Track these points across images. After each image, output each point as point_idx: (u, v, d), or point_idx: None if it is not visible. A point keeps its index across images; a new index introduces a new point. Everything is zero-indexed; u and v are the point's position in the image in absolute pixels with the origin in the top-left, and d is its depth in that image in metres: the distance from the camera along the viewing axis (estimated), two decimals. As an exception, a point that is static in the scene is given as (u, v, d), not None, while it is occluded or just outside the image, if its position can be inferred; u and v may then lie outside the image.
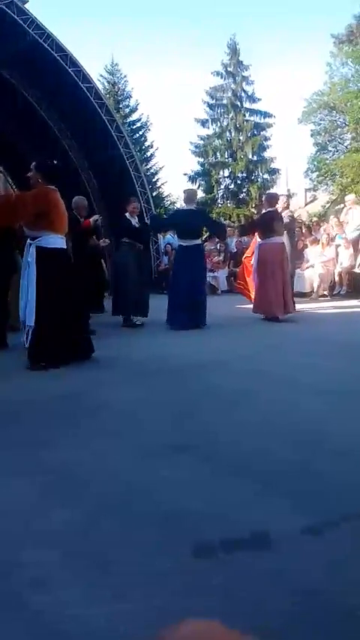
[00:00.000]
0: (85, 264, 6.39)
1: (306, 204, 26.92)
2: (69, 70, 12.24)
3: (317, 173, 22.82)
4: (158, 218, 10.47)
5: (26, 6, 11.66)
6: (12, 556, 1.60)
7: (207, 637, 0.27)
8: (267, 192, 22.85)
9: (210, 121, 25.40)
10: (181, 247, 7.08)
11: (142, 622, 1.29)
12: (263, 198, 8.47)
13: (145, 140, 25.47)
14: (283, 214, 7.57)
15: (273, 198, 7.65)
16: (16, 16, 11.27)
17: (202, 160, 25.38)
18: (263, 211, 7.73)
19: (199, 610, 1.28)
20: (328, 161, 22.33)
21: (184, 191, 7.32)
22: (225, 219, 21.23)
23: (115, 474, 2.22)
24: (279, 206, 7.59)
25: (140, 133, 25.29)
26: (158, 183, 25.41)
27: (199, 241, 7.13)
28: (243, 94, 25.23)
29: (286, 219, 7.68)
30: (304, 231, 12.14)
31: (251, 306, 7.58)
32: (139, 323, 6.92)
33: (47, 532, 1.73)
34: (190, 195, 7.20)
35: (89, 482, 2.13)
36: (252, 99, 25.29)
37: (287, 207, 8.19)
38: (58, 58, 12.03)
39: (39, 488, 2.07)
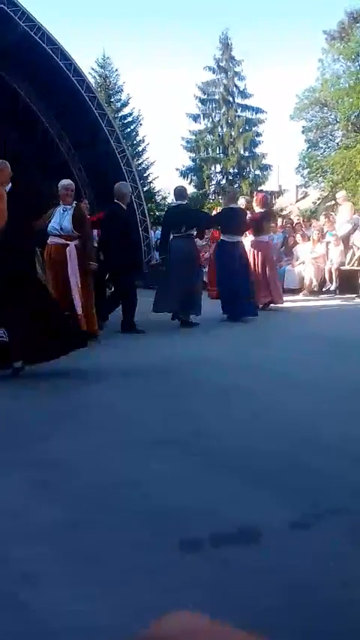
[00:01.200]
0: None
1: (297, 201, 26.99)
2: (60, 62, 12.13)
3: (308, 170, 22.86)
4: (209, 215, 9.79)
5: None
6: (1, 552, 1.60)
7: (196, 630, 0.27)
8: (259, 189, 22.84)
9: (202, 116, 25.30)
10: (225, 243, 7.18)
11: (131, 618, 1.29)
12: (256, 199, 8.36)
13: (137, 135, 25.33)
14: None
15: (267, 200, 7.94)
16: (6, 7, 11.15)
17: (193, 155, 25.30)
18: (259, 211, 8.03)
19: (188, 605, 1.29)
20: (319, 158, 22.38)
21: (228, 190, 7.26)
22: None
23: (105, 469, 2.22)
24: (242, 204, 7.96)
25: (132, 127, 25.13)
26: (150, 178, 25.29)
27: (240, 237, 7.30)
28: (235, 90, 25.15)
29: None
30: (294, 226, 12.17)
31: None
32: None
33: (36, 527, 1.73)
34: (232, 196, 7.51)
35: (79, 478, 2.13)
36: (244, 94, 25.22)
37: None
38: (49, 50, 11.91)
39: (29, 484, 2.06)
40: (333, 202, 14.54)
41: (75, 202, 5.55)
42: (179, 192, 7.13)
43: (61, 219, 5.37)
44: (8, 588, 1.43)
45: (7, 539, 1.67)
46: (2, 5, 11.07)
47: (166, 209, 8.99)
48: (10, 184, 4.44)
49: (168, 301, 6.43)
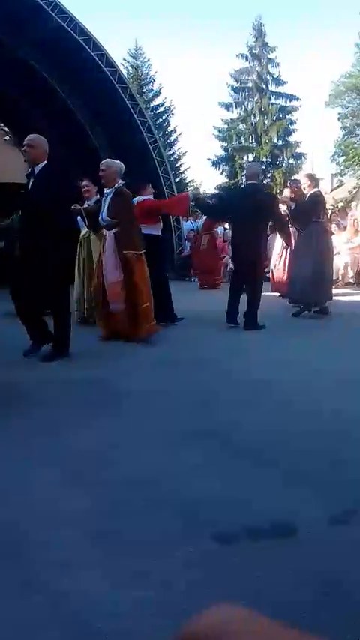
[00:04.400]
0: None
1: (332, 190, 26.41)
2: (92, 54, 12.15)
3: (344, 157, 22.30)
4: None
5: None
6: (37, 539, 1.62)
7: (240, 623, 0.27)
8: (292, 179, 22.41)
9: (234, 104, 25.00)
10: None
11: (162, 607, 1.29)
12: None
13: (168, 125, 25.25)
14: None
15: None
16: (39, 1, 11.21)
17: (225, 144, 25.05)
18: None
19: (220, 598, 1.27)
20: (356, 145, 21.80)
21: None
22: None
23: (138, 460, 2.22)
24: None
25: (163, 117, 25.06)
26: (181, 169, 25.22)
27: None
28: (268, 77, 24.73)
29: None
30: (330, 216, 11.91)
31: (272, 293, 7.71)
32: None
33: (70, 516, 1.75)
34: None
35: (112, 468, 2.13)
36: (278, 82, 24.78)
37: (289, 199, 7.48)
38: (81, 42, 11.94)
39: (63, 474, 2.09)
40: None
41: (116, 185, 4.82)
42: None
43: (103, 207, 4.91)
44: (42, 575, 1.44)
45: (41, 526, 1.69)
46: (36, -2, 11.14)
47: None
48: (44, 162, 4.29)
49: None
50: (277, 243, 8.18)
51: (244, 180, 6.24)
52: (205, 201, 7.49)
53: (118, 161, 5.03)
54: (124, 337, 4.73)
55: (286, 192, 7.87)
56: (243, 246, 5.62)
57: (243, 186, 5.86)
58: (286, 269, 7.74)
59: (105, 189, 4.88)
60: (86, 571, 1.45)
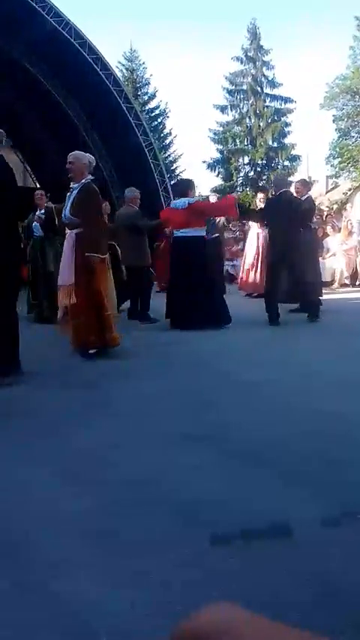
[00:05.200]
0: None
1: (327, 192, 26.50)
2: (87, 57, 12.18)
3: (339, 159, 22.37)
4: None
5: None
6: (35, 539, 1.62)
7: (237, 622, 0.27)
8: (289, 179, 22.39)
9: (229, 107, 25.07)
10: None
11: (160, 607, 1.29)
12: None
13: (164, 127, 25.29)
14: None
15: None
16: (35, 5, 11.23)
17: (221, 147, 25.12)
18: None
19: (218, 598, 1.28)
20: (350, 147, 21.87)
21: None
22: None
23: (135, 461, 2.23)
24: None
25: (159, 120, 25.11)
26: (177, 171, 25.25)
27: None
28: (263, 79, 24.81)
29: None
30: (325, 218, 11.95)
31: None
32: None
33: (67, 517, 1.75)
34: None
35: (109, 469, 2.14)
36: (272, 84, 24.87)
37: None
38: (76, 45, 11.97)
39: (60, 474, 2.09)
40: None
41: (83, 180, 4.32)
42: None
43: (67, 204, 4.43)
44: (38, 576, 1.45)
45: (38, 527, 1.70)
46: (31, 1, 11.16)
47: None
48: None
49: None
50: (252, 246, 8.84)
51: (273, 190, 6.58)
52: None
53: (88, 154, 4.60)
54: (73, 345, 4.36)
55: (260, 196, 8.71)
56: (282, 247, 5.83)
57: (276, 194, 6.23)
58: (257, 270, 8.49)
59: (72, 183, 4.39)
60: (85, 571, 1.46)
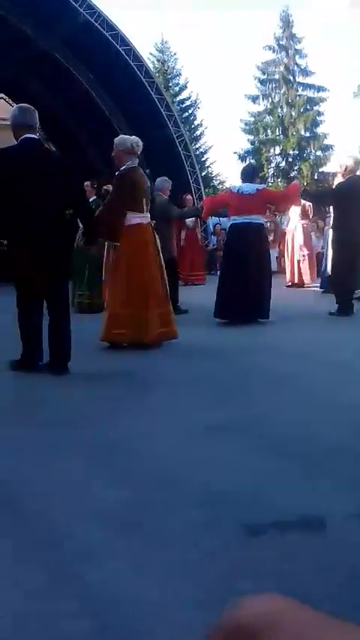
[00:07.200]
0: None
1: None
2: (120, 48, 12.18)
3: (373, 149, 21.86)
4: None
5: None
6: (63, 530, 1.65)
7: (284, 614, 0.26)
8: (320, 171, 22.02)
9: (261, 97, 24.70)
10: None
11: (190, 598, 1.31)
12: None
13: (195, 119, 25.12)
14: None
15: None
16: (68, -4, 11.29)
17: (252, 137, 24.81)
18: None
19: (248, 591, 1.28)
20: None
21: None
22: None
23: (163, 451, 2.25)
24: None
25: (190, 111, 24.95)
26: (207, 163, 25.09)
27: None
28: (296, 68, 24.35)
29: None
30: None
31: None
32: None
33: (97, 507, 1.78)
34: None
35: (138, 460, 2.16)
36: (305, 72, 24.38)
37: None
38: (109, 37, 11.98)
39: (89, 465, 2.12)
40: None
41: (122, 168, 4.20)
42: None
43: None
44: (69, 566, 1.47)
45: (68, 517, 1.73)
46: (63, -6, 11.21)
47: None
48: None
49: None
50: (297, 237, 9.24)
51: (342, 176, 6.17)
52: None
53: (132, 137, 4.44)
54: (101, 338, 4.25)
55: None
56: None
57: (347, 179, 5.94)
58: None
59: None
60: (113, 562, 1.47)
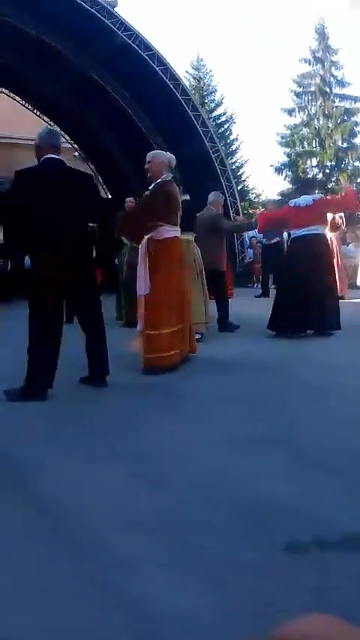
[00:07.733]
0: None
1: None
2: (156, 68, 12.44)
3: None
4: None
5: (116, 9, 12.01)
6: (101, 540, 1.66)
7: (333, 633, 0.25)
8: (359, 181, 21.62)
9: (297, 109, 24.65)
10: None
11: (230, 614, 1.29)
12: None
13: (230, 134, 25.31)
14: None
15: None
16: (106, 20, 11.63)
17: (288, 150, 24.74)
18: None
19: (289, 609, 1.26)
20: None
21: None
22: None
23: (202, 462, 2.23)
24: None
25: (225, 126, 25.17)
26: (243, 177, 25.16)
27: None
28: (332, 80, 24.22)
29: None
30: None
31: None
32: None
33: (137, 517, 1.77)
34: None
35: (175, 470, 2.16)
36: (341, 84, 24.21)
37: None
38: (145, 57, 12.26)
39: (127, 476, 2.12)
40: None
41: (159, 180, 4.15)
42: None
43: None
44: (109, 575, 1.47)
45: (109, 527, 1.73)
46: (103, 18, 11.56)
47: None
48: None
49: None
50: None
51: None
52: None
53: (168, 153, 4.49)
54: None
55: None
56: None
57: None
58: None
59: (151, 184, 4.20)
60: (156, 574, 1.46)
